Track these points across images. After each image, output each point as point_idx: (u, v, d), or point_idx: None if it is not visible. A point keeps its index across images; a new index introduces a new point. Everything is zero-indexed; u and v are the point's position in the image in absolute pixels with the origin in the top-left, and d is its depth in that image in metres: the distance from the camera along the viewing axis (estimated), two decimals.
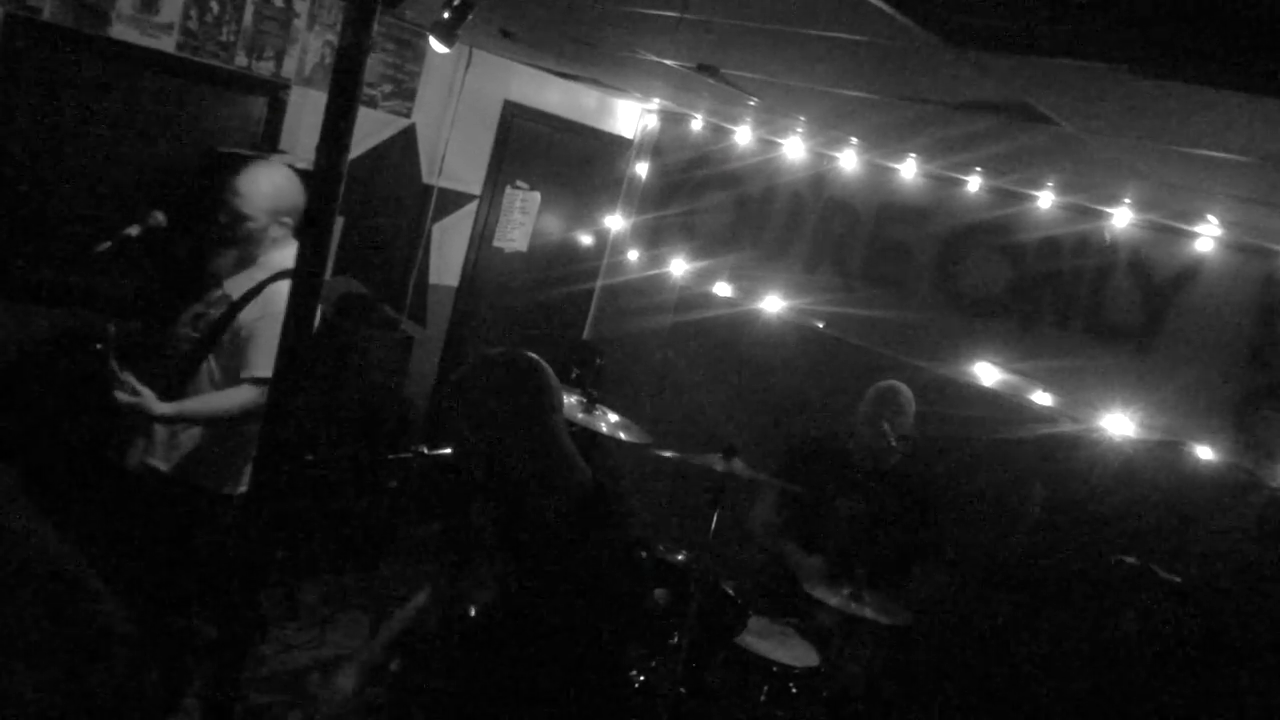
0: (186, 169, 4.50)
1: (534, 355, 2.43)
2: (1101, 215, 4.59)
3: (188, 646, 3.69)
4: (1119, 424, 4.41)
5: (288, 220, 3.35)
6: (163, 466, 3.36)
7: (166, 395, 3.20)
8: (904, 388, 4.20)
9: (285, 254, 3.36)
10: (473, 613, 2.37)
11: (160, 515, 3.44)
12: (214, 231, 3.32)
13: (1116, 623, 4.04)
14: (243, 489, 3.35)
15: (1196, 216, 3.99)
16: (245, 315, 3.26)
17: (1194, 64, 1.80)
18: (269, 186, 3.31)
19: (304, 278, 1.54)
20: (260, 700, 3.89)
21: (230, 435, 3.34)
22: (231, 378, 3.26)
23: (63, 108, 4.18)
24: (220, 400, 3.23)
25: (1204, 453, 4.21)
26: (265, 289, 3.26)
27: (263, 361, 3.17)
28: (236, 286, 3.35)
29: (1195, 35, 1.64)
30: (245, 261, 3.37)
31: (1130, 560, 3.79)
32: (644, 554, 3.77)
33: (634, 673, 3.54)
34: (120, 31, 4.18)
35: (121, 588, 3.71)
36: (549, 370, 2.42)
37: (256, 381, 3.18)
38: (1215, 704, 3.95)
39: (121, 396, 3.08)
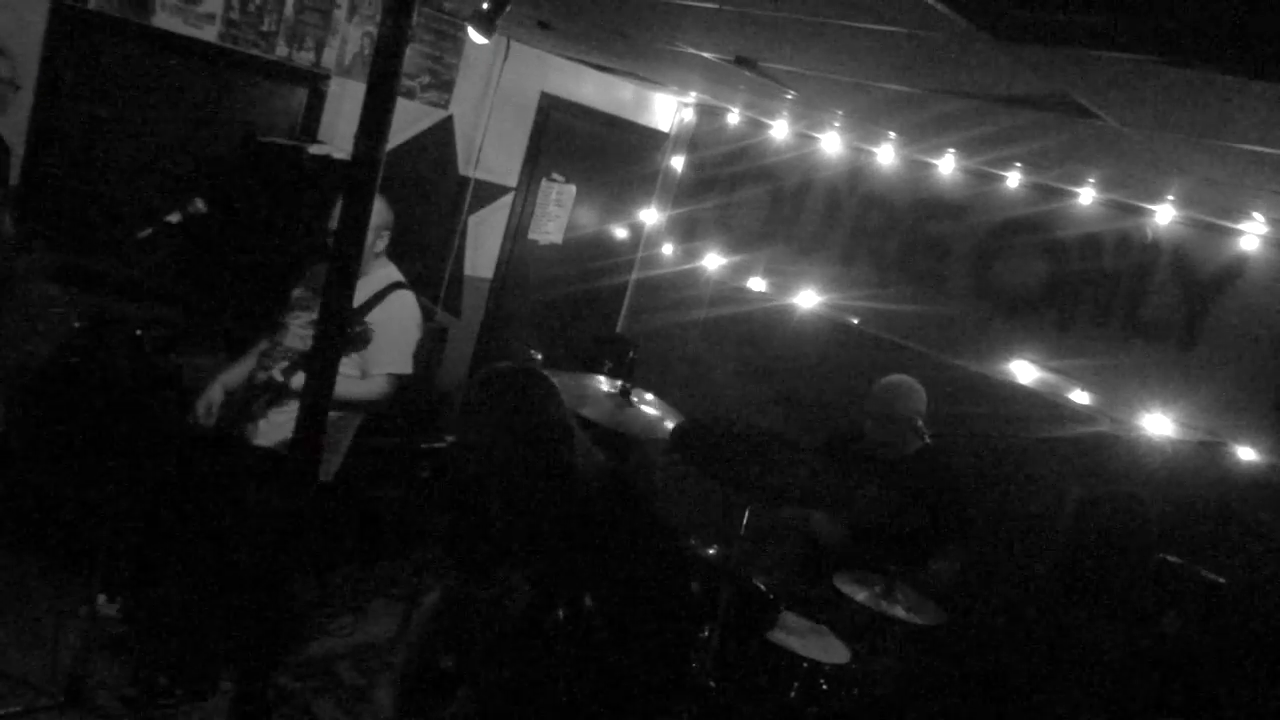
0: (227, 157, 4.55)
1: (520, 367, 2.51)
2: (1143, 212, 4.52)
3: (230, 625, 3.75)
4: (1159, 424, 4.35)
5: (386, 233, 3.89)
6: (269, 445, 3.70)
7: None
8: (906, 382, 4.14)
9: (388, 270, 3.95)
10: (562, 615, 2.39)
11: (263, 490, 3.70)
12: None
13: (1158, 623, 3.99)
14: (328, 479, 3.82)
15: (1241, 213, 3.92)
16: (370, 319, 3.69)
17: (1240, 56, 1.76)
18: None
19: (338, 266, 1.54)
20: (292, 685, 3.92)
21: (332, 426, 3.69)
22: (358, 371, 3.79)
23: (106, 96, 4.24)
24: (360, 388, 3.79)
25: (1245, 453, 4.15)
26: (386, 297, 3.82)
27: (392, 359, 3.81)
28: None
29: (1241, 26, 1.61)
30: None
31: (1173, 560, 3.74)
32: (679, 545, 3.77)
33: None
34: (163, 21, 4.23)
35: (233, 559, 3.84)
36: (540, 374, 2.48)
37: (388, 375, 3.81)
38: (1259, 706, 3.89)
39: (274, 375, 3.64)
